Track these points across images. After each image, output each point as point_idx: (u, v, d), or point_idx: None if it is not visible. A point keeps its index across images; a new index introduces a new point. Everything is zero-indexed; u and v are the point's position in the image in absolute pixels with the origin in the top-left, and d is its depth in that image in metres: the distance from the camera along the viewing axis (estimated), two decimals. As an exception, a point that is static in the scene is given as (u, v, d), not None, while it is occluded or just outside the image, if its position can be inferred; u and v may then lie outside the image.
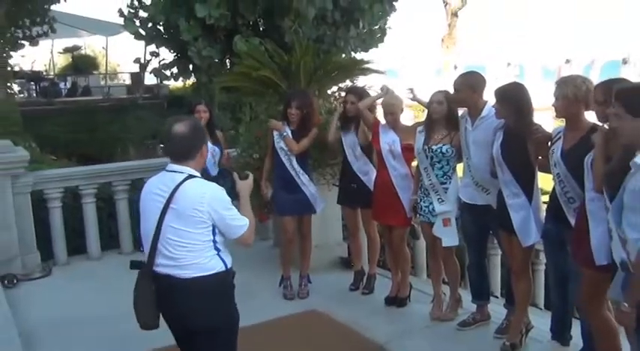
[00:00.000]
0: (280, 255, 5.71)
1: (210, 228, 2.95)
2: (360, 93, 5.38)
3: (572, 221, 3.66)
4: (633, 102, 2.76)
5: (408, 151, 4.94)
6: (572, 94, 3.59)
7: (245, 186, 3.23)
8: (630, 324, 2.95)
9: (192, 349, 3.14)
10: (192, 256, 2.94)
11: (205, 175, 4.63)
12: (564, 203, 3.71)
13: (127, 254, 6.76)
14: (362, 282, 5.64)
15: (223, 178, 3.55)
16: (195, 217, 2.90)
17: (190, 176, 2.97)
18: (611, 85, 3.21)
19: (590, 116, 3.58)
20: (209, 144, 4.78)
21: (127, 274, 5.64)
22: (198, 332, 3.04)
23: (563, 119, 3.77)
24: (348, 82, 7.12)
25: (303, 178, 5.26)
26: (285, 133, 5.19)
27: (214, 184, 3.02)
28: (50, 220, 6.44)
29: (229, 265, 3.06)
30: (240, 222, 3.01)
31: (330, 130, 5.39)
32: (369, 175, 5.30)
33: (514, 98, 3.99)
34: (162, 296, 3.00)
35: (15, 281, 5.88)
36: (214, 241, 2.99)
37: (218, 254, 3.01)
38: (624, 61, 23.19)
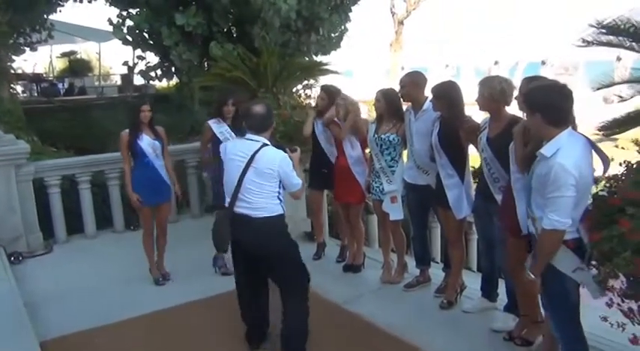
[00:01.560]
0: None
1: (278, 182, 3.48)
2: (331, 91, 5.26)
3: (498, 197, 3.71)
4: (527, 100, 2.81)
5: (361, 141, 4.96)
6: (487, 94, 3.66)
7: (295, 156, 3.67)
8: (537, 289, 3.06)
9: (258, 271, 3.62)
10: (263, 201, 3.47)
11: (148, 167, 4.69)
12: (490, 182, 3.76)
13: (120, 233, 6.67)
14: (323, 252, 5.65)
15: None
16: (269, 174, 3.43)
17: (264, 144, 3.48)
18: (531, 81, 3.28)
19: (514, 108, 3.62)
20: (150, 139, 4.77)
21: (120, 250, 5.62)
22: (265, 257, 3.54)
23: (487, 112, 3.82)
24: (310, 81, 7.10)
25: None
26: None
27: (282, 152, 3.52)
28: (51, 204, 6.30)
29: (285, 211, 3.59)
30: (297, 180, 3.56)
31: (306, 125, 5.28)
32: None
33: (447, 94, 4.03)
34: (238, 231, 3.52)
35: (20, 258, 5.76)
36: (278, 192, 3.52)
37: (279, 202, 3.54)
38: (543, 62, 23.54)
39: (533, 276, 2.96)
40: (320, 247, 5.68)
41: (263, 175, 3.43)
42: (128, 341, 4.05)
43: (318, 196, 5.66)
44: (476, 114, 4.06)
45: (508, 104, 3.62)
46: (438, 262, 5.64)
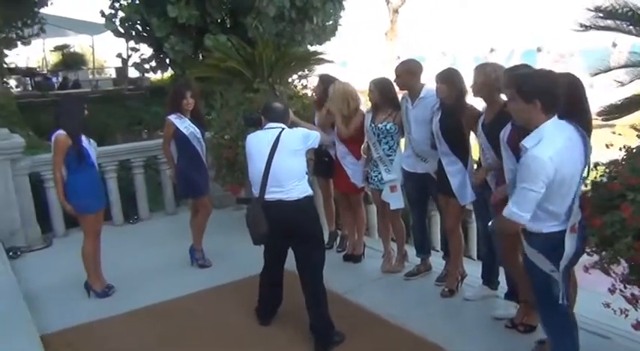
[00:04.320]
0: None
1: (305, 161, 3.72)
2: (325, 80, 5.23)
3: (492, 185, 3.69)
4: (523, 87, 2.71)
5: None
6: (480, 81, 3.65)
7: (292, 119, 3.97)
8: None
9: (297, 251, 3.75)
10: (294, 183, 3.59)
11: (93, 169, 4.54)
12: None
13: (118, 226, 6.67)
14: (335, 241, 5.61)
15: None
16: (296, 150, 3.64)
17: (284, 129, 3.71)
18: (511, 72, 3.25)
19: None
20: (90, 139, 4.53)
21: (119, 243, 5.62)
22: (301, 237, 3.68)
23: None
24: (305, 71, 7.06)
25: None
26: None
27: (299, 129, 3.81)
28: (48, 198, 6.26)
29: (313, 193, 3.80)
30: (315, 133, 3.80)
31: (321, 116, 5.14)
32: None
33: (454, 81, 4.00)
34: (273, 216, 3.59)
35: (19, 253, 5.74)
36: (307, 173, 3.73)
37: (308, 182, 3.72)
38: (539, 50, 23.50)
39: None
40: (331, 236, 5.62)
41: (291, 154, 3.61)
42: (128, 333, 4.05)
43: (324, 185, 5.59)
44: (476, 102, 4.05)
45: (501, 91, 3.60)
46: (438, 251, 5.65)
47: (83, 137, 4.42)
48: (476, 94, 3.73)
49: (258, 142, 3.73)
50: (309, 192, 3.71)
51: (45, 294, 4.73)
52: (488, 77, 3.60)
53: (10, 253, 5.60)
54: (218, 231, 5.67)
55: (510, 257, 3.58)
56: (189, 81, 5.73)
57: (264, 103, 4.09)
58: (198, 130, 4.98)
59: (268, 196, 3.61)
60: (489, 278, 4.29)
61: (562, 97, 2.70)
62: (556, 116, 2.69)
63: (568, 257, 2.75)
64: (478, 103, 4.01)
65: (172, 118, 4.91)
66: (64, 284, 4.88)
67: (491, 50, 24.33)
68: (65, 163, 4.35)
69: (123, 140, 9.61)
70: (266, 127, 3.78)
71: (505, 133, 3.33)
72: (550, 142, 2.60)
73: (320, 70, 7.45)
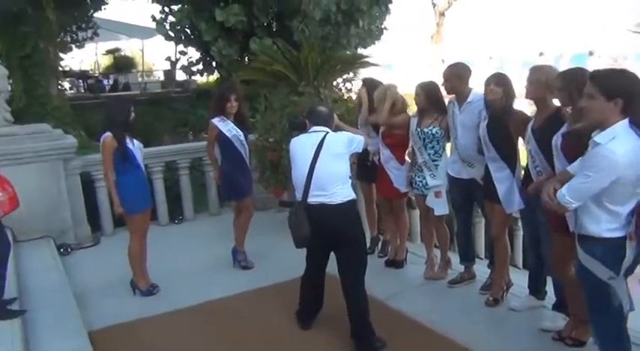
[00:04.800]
0: None
1: (348, 163, 3.69)
2: (369, 83, 5.18)
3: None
4: (607, 85, 2.62)
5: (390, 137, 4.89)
6: (536, 81, 3.54)
7: (336, 123, 3.98)
8: None
9: (338, 255, 3.73)
10: (337, 187, 3.58)
11: (139, 170, 4.60)
12: (535, 176, 3.63)
13: (164, 226, 6.80)
14: (377, 246, 5.57)
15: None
16: (340, 154, 3.63)
17: (328, 132, 3.69)
18: (569, 73, 3.17)
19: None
20: (136, 141, 4.60)
21: (163, 243, 5.72)
22: (343, 241, 3.65)
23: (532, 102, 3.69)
24: (350, 75, 7.04)
25: None
26: None
27: (343, 133, 3.81)
28: (97, 198, 6.44)
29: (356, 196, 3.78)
30: (359, 138, 3.81)
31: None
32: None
33: (506, 84, 3.91)
34: (316, 221, 3.57)
35: (69, 250, 5.91)
36: (350, 177, 3.70)
37: (351, 187, 3.70)
38: (590, 53, 22.83)
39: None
40: (373, 240, 5.56)
41: (334, 159, 3.59)
42: (174, 331, 4.11)
43: (366, 189, 5.54)
44: (524, 107, 3.95)
45: (554, 95, 3.49)
46: (482, 259, 5.53)
47: (128, 139, 4.51)
48: (530, 95, 3.62)
49: (301, 145, 3.74)
50: (352, 196, 3.70)
51: (92, 291, 4.85)
52: (549, 76, 3.48)
53: (61, 250, 5.79)
54: (261, 233, 5.70)
55: (561, 266, 3.46)
56: (233, 84, 5.80)
57: (308, 106, 4.12)
58: (241, 133, 5.02)
59: (311, 200, 3.60)
60: (536, 288, 4.17)
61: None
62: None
63: (629, 262, 2.66)
64: (526, 110, 3.92)
65: (216, 121, 4.98)
66: (110, 282, 4.99)
67: (540, 54, 23.75)
68: (113, 164, 4.46)
69: (170, 142, 9.80)
70: (310, 130, 3.79)
71: (557, 139, 3.23)
72: (624, 140, 2.57)
73: (365, 73, 7.43)
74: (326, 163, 3.58)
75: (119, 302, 4.62)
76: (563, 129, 3.23)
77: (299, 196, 3.68)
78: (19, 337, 3.50)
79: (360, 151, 3.93)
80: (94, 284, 5.00)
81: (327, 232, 3.65)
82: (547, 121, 3.49)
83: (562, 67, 3.80)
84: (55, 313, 4.03)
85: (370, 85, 5.14)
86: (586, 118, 2.78)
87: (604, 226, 2.69)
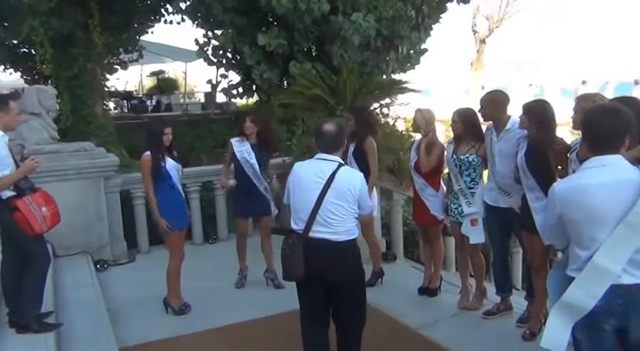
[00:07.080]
0: None
1: (357, 203, 3.29)
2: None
3: None
4: None
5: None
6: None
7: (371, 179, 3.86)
8: None
9: (326, 302, 3.37)
10: (344, 224, 3.26)
11: (174, 190, 4.64)
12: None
13: (198, 245, 6.86)
14: (381, 280, 5.39)
15: None
16: (349, 195, 3.24)
17: (341, 164, 3.32)
18: (626, 102, 3.05)
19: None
20: (173, 162, 4.65)
21: (196, 261, 5.74)
22: (341, 284, 3.29)
23: (580, 132, 3.59)
24: (387, 100, 7.04)
25: None
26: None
27: (359, 173, 3.45)
28: (135, 216, 6.56)
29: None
30: (371, 202, 3.65)
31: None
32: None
33: (538, 112, 3.84)
34: (315, 257, 3.24)
35: (106, 266, 6.02)
36: (357, 214, 3.35)
37: (357, 224, 3.40)
38: (636, 82, 22.26)
39: None
40: (374, 275, 5.36)
41: (343, 196, 3.24)
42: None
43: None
44: (564, 135, 3.86)
45: None
46: (519, 290, 5.37)
47: (167, 158, 4.62)
48: (577, 125, 3.52)
49: (307, 172, 3.36)
50: (356, 235, 3.38)
51: (126, 307, 4.92)
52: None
53: (98, 266, 5.89)
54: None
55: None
56: (255, 109, 5.96)
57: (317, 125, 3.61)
58: (252, 157, 5.17)
59: (314, 234, 3.26)
60: (576, 323, 4.00)
61: None
62: None
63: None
64: (566, 138, 3.83)
65: (233, 140, 5.29)
66: (144, 299, 5.05)
67: (583, 82, 23.28)
68: (152, 182, 4.57)
69: (207, 162, 9.93)
70: (318, 157, 3.38)
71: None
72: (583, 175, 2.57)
73: (402, 99, 7.41)
74: (334, 199, 3.24)
75: (151, 320, 4.66)
76: None
77: (299, 227, 3.33)
78: (52, 350, 3.55)
79: (365, 213, 3.52)
80: (128, 301, 5.07)
81: (326, 272, 3.28)
82: None
83: (606, 96, 3.71)
84: (89, 328, 4.09)
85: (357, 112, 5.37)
86: None
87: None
